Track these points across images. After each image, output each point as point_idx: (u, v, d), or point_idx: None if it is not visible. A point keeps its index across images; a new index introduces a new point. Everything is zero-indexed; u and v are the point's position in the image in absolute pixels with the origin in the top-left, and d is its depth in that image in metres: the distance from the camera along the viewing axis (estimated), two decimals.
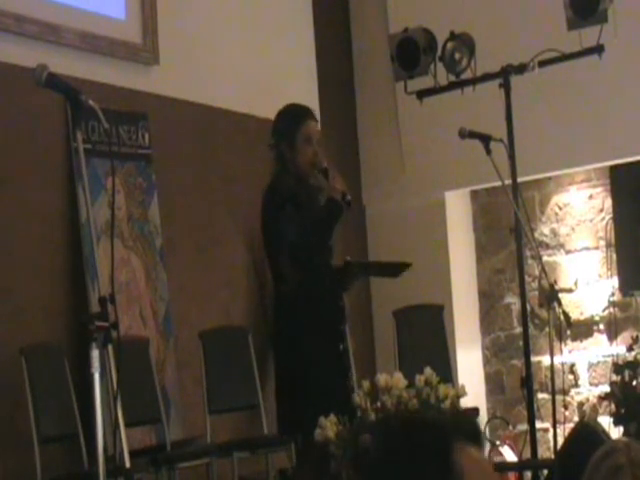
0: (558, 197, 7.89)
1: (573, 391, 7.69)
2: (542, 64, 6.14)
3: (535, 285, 7.65)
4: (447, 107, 7.08)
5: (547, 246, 7.85)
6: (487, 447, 7.40)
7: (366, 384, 4.69)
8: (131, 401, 5.17)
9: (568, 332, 7.36)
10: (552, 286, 5.63)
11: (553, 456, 5.85)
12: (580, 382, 7.71)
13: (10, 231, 5.51)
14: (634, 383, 6.76)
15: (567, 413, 7.38)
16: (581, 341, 7.70)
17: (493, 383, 8.05)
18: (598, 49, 6.04)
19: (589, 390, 7.69)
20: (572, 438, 5.14)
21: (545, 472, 5.82)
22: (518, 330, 7.64)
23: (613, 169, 7.54)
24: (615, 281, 7.54)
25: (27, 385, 5.23)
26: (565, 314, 5.52)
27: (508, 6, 7.51)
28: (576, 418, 7.54)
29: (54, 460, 5.35)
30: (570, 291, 7.66)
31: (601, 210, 7.71)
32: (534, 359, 7.03)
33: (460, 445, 1.71)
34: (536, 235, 7.64)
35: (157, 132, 6.37)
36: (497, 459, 7.33)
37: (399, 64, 6.56)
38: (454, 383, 6.50)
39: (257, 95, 6.93)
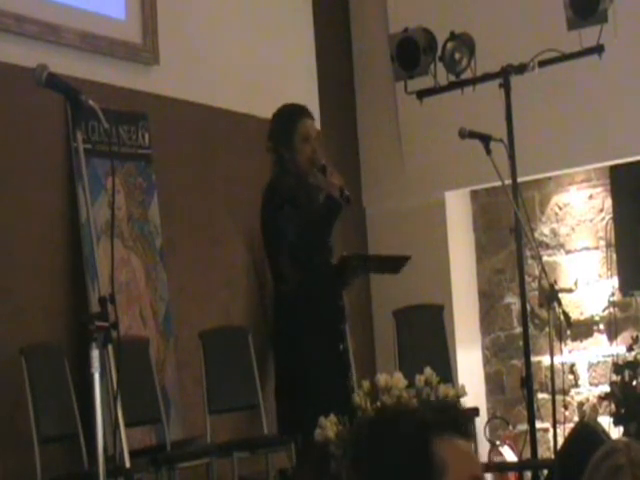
0: (558, 197, 7.89)
1: (573, 391, 7.69)
2: (542, 64, 6.13)
3: (535, 285, 7.65)
4: (447, 107, 7.08)
5: (547, 246, 7.85)
6: (487, 447, 7.42)
7: (366, 384, 4.69)
8: (131, 401, 5.17)
9: (568, 332, 7.36)
10: (552, 286, 5.63)
11: (553, 456, 5.85)
12: (580, 382, 7.70)
13: (10, 231, 5.51)
14: (634, 383, 6.76)
15: (567, 413, 7.38)
16: (581, 341, 7.70)
17: (493, 383, 8.05)
18: (598, 49, 6.03)
19: (589, 390, 7.69)
20: (572, 438, 5.14)
21: (545, 472, 5.82)
22: (518, 330, 7.64)
23: (613, 169, 7.54)
24: (615, 281, 7.54)
25: (27, 385, 5.23)
26: (565, 314, 5.52)
27: (508, 6, 7.51)
28: (576, 418, 7.53)
29: (54, 460, 5.35)
30: (570, 291, 7.66)
31: (601, 210, 7.71)
32: (534, 359, 7.03)
33: (443, 437, 1.69)
34: (536, 235, 7.64)
35: (157, 132, 6.37)
36: (497, 459, 7.33)
37: (399, 64, 6.56)
38: (454, 383, 6.51)
39: (257, 95, 6.93)
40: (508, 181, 5.91)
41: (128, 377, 4.45)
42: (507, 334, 8.00)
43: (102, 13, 6.16)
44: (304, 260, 5.28)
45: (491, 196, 7.99)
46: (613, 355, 7.37)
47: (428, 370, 4.82)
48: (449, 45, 6.44)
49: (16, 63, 5.49)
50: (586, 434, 4.98)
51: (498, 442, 7.48)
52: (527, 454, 6.10)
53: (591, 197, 7.77)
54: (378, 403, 4.60)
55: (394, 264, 5.88)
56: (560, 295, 5.64)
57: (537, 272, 7.36)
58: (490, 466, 7.06)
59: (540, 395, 7.56)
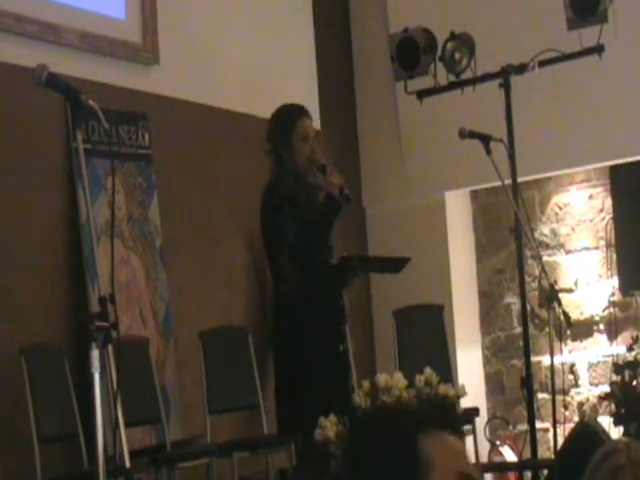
0: (558, 197, 7.89)
1: (573, 391, 7.69)
2: (542, 64, 6.14)
3: (535, 285, 7.64)
4: (447, 107, 7.08)
5: (547, 246, 7.85)
6: (487, 447, 7.42)
7: (366, 384, 4.69)
8: (131, 401, 5.17)
9: (568, 332, 7.35)
10: (552, 286, 5.63)
11: (553, 456, 5.85)
12: (580, 382, 7.70)
13: (10, 231, 5.51)
14: (634, 383, 6.76)
15: (567, 413, 7.38)
16: (581, 341, 7.70)
17: (493, 383, 8.05)
18: (598, 49, 6.03)
19: (589, 390, 7.69)
20: (572, 438, 5.13)
21: (545, 472, 5.82)
22: (518, 330, 7.63)
23: (613, 169, 7.54)
24: (615, 281, 7.54)
25: (27, 385, 5.23)
26: (565, 314, 5.52)
27: (508, 6, 7.51)
28: (576, 418, 7.53)
29: (54, 460, 5.35)
30: (570, 291, 7.66)
31: (601, 210, 7.71)
32: (534, 359, 7.03)
33: (431, 433, 1.68)
34: (536, 235, 7.64)
35: (157, 132, 6.37)
36: (497, 459, 7.33)
37: (399, 64, 6.56)
38: (454, 383, 6.50)
39: (257, 95, 6.92)
40: (508, 181, 5.92)
41: (128, 377, 4.45)
42: (507, 334, 8.00)
43: (102, 13, 6.16)
44: (304, 260, 5.28)
45: (491, 196, 7.99)
46: (613, 355, 7.37)
47: (428, 370, 4.82)
48: (449, 45, 6.44)
49: (16, 63, 5.49)
50: (586, 434, 4.98)
51: (498, 442, 7.48)
52: (527, 454, 6.10)
53: (591, 197, 7.77)
54: (378, 403, 4.60)
55: (394, 266, 5.88)
56: (560, 295, 5.64)
57: (537, 272, 7.36)
58: (490, 466, 7.07)
59: (540, 395, 7.56)
